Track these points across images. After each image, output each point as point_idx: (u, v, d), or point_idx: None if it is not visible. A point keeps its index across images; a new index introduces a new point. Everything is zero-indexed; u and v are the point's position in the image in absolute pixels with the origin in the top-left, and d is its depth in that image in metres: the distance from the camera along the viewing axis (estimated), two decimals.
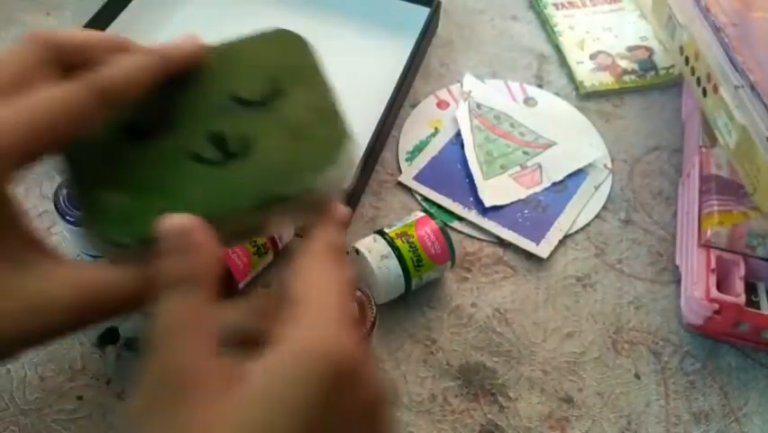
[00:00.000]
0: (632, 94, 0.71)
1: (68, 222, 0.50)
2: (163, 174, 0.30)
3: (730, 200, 0.55)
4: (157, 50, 0.31)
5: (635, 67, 0.72)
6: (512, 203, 0.61)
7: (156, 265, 0.26)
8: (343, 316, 0.27)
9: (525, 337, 0.54)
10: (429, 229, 0.53)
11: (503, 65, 0.73)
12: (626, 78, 0.72)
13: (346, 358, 0.25)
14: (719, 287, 0.52)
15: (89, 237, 0.29)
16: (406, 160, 0.64)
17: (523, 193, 0.62)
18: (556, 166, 0.64)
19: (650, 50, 0.74)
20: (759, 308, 0.52)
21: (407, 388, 0.50)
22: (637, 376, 0.52)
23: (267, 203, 0.30)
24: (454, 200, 0.61)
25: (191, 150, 0.31)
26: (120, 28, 0.68)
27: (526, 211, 0.61)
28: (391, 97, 0.62)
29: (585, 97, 0.71)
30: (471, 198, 0.61)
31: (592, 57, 0.73)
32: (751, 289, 0.53)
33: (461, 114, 0.67)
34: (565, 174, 0.63)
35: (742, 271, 0.53)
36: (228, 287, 0.51)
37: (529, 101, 0.70)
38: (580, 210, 0.61)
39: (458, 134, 0.66)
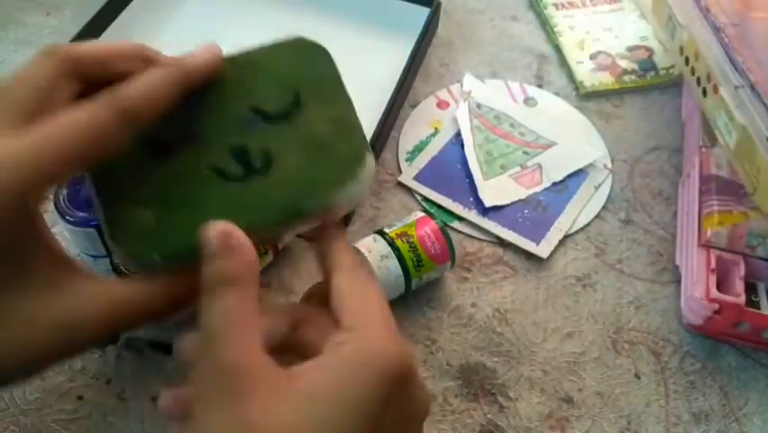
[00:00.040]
0: (632, 94, 0.71)
1: (68, 222, 0.50)
2: (187, 190, 0.30)
3: (730, 200, 0.55)
4: (176, 62, 0.31)
5: (635, 67, 0.72)
6: (512, 203, 0.61)
7: (201, 269, 0.28)
8: (392, 323, 0.29)
9: (525, 337, 0.54)
10: (429, 229, 0.53)
11: (503, 65, 0.73)
12: (626, 78, 0.72)
13: (405, 363, 0.27)
14: (719, 287, 0.52)
15: (115, 253, 0.30)
16: (406, 160, 0.64)
17: (523, 193, 0.62)
18: (556, 166, 0.64)
19: (650, 50, 0.74)
20: (759, 308, 0.52)
21: None
22: (637, 376, 0.52)
23: (288, 219, 0.31)
24: (454, 200, 0.61)
25: (215, 165, 0.31)
26: (120, 28, 0.68)
27: (526, 211, 0.61)
28: (391, 97, 0.62)
29: (585, 97, 0.71)
30: (471, 198, 0.61)
31: (592, 57, 0.73)
32: (751, 289, 0.53)
33: (461, 114, 0.67)
34: (565, 174, 0.63)
35: (742, 271, 0.53)
36: None
37: (529, 101, 0.70)
38: (580, 210, 0.61)
39: (458, 134, 0.66)
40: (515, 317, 0.55)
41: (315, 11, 0.73)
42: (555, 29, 0.76)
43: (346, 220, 0.33)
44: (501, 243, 0.59)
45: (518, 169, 0.64)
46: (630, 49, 0.74)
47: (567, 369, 0.52)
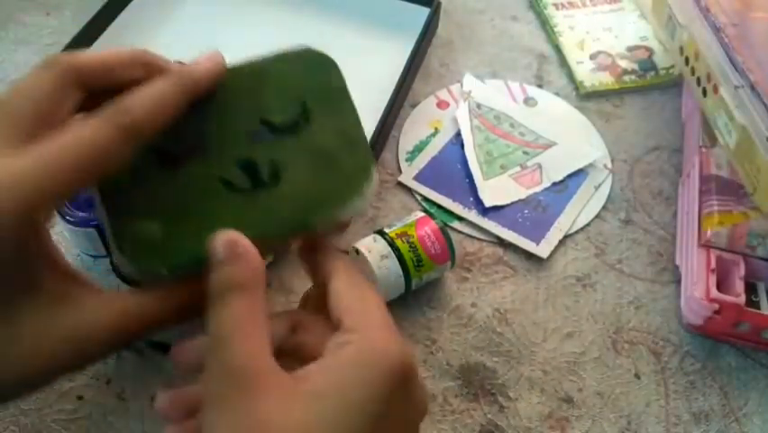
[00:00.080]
0: (632, 94, 0.71)
1: (68, 222, 0.50)
2: (195, 202, 0.30)
3: (730, 200, 0.55)
4: (179, 72, 0.30)
5: (635, 67, 0.72)
6: (512, 203, 0.61)
7: (207, 278, 0.28)
8: (392, 324, 0.30)
9: (525, 337, 0.54)
10: (429, 229, 0.53)
11: (503, 65, 0.73)
12: (626, 78, 0.72)
13: (407, 362, 0.28)
14: (719, 287, 0.52)
15: (122, 265, 0.30)
16: (406, 160, 0.64)
17: (523, 193, 0.62)
18: (556, 166, 0.64)
19: (650, 50, 0.74)
20: (759, 308, 0.52)
21: None
22: (637, 376, 0.52)
23: (295, 232, 0.32)
24: (454, 200, 0.61)
25: (223, 177, 0.31)
26: (120, 28, 0.68)
27: (526, 211, 0.61)
28: (391, 97, 0.62)
29: (585, 97, 0.71)
30: (471, 198, 0.61)
31: (592, 57, 0.73)
32: (751, 289, 0.53)
33: (461, 114, 0.67)
34: (565, 174, 0.63)
35: (742, 271, 0.53)
36: None
37: (529, 101, 0.70)
38: (580, 210, 0.61)
39: (458, 134, 0.66)
40: (515, 317, 0.55)
41: (315, 11, 0.73)
42: (555, 29, 0.76)
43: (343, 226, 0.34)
44: (501, 243, 0.59)
45: (518, 169, 0.64)
46: (630, 49, 0.74)
47: (567, 369, 0.52)
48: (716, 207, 0.55)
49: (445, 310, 0.55)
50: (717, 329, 0.53)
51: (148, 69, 0.30)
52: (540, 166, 0.64)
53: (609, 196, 0.63)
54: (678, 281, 0.57)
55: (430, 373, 0.51)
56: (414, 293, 0.54)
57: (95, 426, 0.47)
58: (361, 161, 0.33)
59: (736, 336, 0.53)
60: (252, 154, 0.32)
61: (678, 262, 0.58)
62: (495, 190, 0.62)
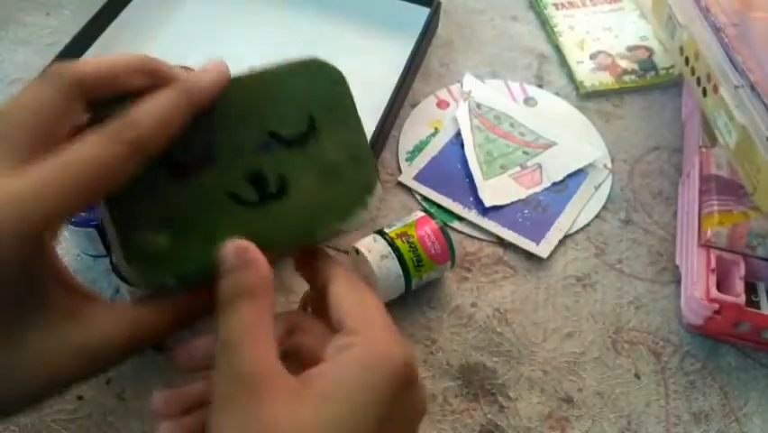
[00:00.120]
0: (632, 94, 0.71)
1: (68, 222, 0.50)
2: (202, 214, 0.31)
3: (730, 200, 0.55)
4: (184, 84, 0.30)
5: (635, 67, 0.72)
6: (512, 203, 0.61)
7: (213, 286, 0.29)
8: (393, 326, 0.30)
9: (525, 337, 0.54)
10: (429, 229, 0.53)
11: (503, 65, 0.73)
12: (626, 77, 0.72)
13: (409, 364, 0.29)
14: (719, 287, 0.52)
15: (129, 275, 0.30)
16: (406, 160, 0.64)
17: (523, 193, 0.62)
18: (556, 166, 0.64)
19: (650, 50, 0.74)
20: (759, 308, 0.52)
21: None
22: (637, 376, 0.52)
23: (301, 243, 0.32)
24: (454, 200, 0.61)
25: (231, 190, 0.31)
26: (120, 27, 0.68)
27: (526, 211, 0.61)
28: (391, 97, 0.62)
29: (585, 97, 0.71)
30: (471, 198, 0.61)
31: (592, 57, 0.73)
32: (751, 289, 0.53)
33: (461, 114, 0.67)
34: (565, 174, 0.63)
35: (742, 271, 0.53)
36: None
37: (529, 101, 0.70)
38: (580, 210, 0.61)
39: (458, 134, 0.66)
40: (515, 317, 0.55)
41: (315, 11, 0.73)
42: (555, 29, 0.76)
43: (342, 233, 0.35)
44: (501, 243, 0.59)
45: (518, 169, 0.64)
46: (630, 49, 0.74)
47: (567, 369, 0.52)
48: (716, 207, 0.55)
49: (445, 310, 0.55)
50: (717, 329, 0.53)
51: (152, 76, 0.30)
52: (540, 166, 0.64)
53: (609, 196, 0.63)
54: (678, 281, 0.57)
55: (430, 373, 0.51)
56: (414, 293, 0.54)
57: (95, 426, 0.47)
58: (366, 173, 0.34)
59: (735, 336, 0.53)
60: (260, 166, 0.32)
61: (678, 262, 0.58)
62: (495, 190, 0.62)
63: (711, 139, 0.59)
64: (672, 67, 0.72)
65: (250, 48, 0.68)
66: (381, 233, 0.53)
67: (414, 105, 0.68)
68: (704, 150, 0.59)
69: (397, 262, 0.51)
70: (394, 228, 0.53)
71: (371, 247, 0.52)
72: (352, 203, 0.33)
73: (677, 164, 0.65)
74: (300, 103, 0.33)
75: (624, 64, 0.73)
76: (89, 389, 0.48)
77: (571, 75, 0.72)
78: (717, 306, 0.51)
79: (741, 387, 0.52)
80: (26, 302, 0.27)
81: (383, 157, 0.64)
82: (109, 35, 0.67)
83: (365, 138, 0.34)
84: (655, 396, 0.52)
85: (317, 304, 0.33)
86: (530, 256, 0.58)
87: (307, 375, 0.28)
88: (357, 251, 0.52)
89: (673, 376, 0.53)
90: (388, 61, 0.68)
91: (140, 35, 0.69)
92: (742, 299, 0.51)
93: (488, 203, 0.60)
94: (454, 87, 0.70)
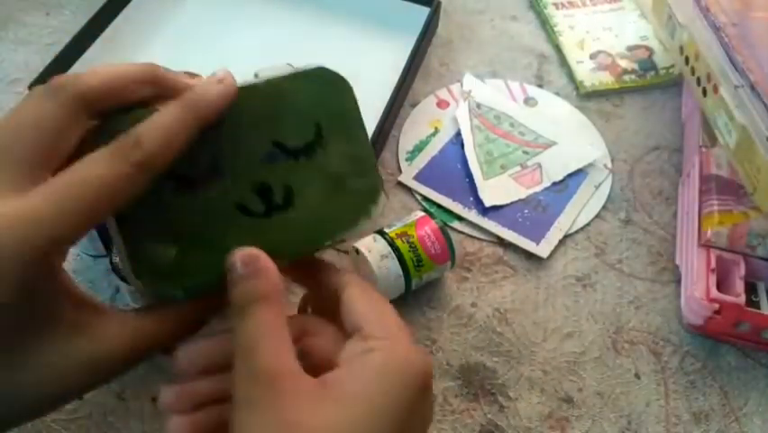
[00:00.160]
0: (632, 94, 0.71)
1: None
2: (209, 227, 0.31)
3: (730, 200, 0.55)
4: (191, 97, 0.29)
5: (635, 66, 0.72)
6: (512, 203, 0.61)
7: (219, 295, 0.29)
8: (409, 333, 0.31)
9: (525, 337, 0.54)
10: (429, 229, 0.53)
11: (503, 65, 0.73)
12: (626, 77, 0.72)
13: (428, 372, 0.29)
14: (719, 287, 0.52)
15: (135, 286, 0.30)
16: (406, 159, 0.64)
17: (523, 193, 0.62)
18: (556, 166, 0.64)
19: (650, 50, 0.74)
20: (759, 308, 0.52)
21: None
22: (637, 376, 0.52)
23: (306, 252, 0.33)
24: (454, 200, 0.61)
25: (238, 201, 0.31)
26: (120, 27, 0.68)
27: (526, 211, 0.61)
28: (391, 97, 0.62)
29: (585, 97, 0.71)
30: (471, 198, 0.61)
31: (592, 56, 0.73)
32: (751, 289, 0.53)
33: (461, 113, 0.67)
34: (565, 174, 0.63)
35: (742, 271, 0.53)
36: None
37: (529, 101, 0.70)
38: (580, 210, 0.61)
39: (458, 134, 0.66)
40: (515, 317, 0.55)
41: (315, 11, 0.73)
42: (555, 29, 0.76)
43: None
44: (501, 242, 0.59)
45: (518, 168, 0.64)
46: (630, 48, 0.74)
47: (567, 369, 0.52)
48: (716, 207, 0.55)
49: (445, 310, 0.55)
50: (718, 329, 0.53)
51: (158, 86, 0.29)
52: (540, 166, 0.64)
53: (609, 196, 0.63)
54: (678, 281, 0.57)
55: None
56: (414, 293, 0.54)
57: (95, 426, 0.47)
58: (371, 184, 0.34)
59: (736, 336, 0.53)
60: (267, 177, 0.32)
61: (678, 261, 0.58)
62: (495, 190, 0.62)
63: (711, 139, 0.59)
64: (672, 67, 0.72)
65: (250, 48, 0.68)
66: (381, 233, 0.53)
67: (414, 105, 0.68)
68: (704, 150, 0.59)
69: (397, 262, 0.51)
70: (394, 228, 0.53)
71: (371, 247, 0.51)
72: (357, 213, 0.33)
73: (677, 164, 0.65)
74: (307, 112, 0.33)
75: (624, 64, 0.73)
76: None
77: (571, 75, 0.72)
78: (717, 306, 0.51)
79: (741, 387, 0.52)
80: (28, 324, 0.27)
81: (383, 157, 0.64)
82: (109, 35, 0.67)
83: (370, 148, 0.35)
84: (655, 396, 0.52)
85: (320, 307, 0.33)
86: (530, 256, 0.58)
87: (326, 378, 0.28)
88: (357, 251, 0.52)
89: (673, 376, 0.53)
90: (388, 61, 0.68)
91: (140, 35, 0.69)
92: (742, 299, 0.51)
93: (488, 203, 0.60)
94: (454, 87, 0.70)
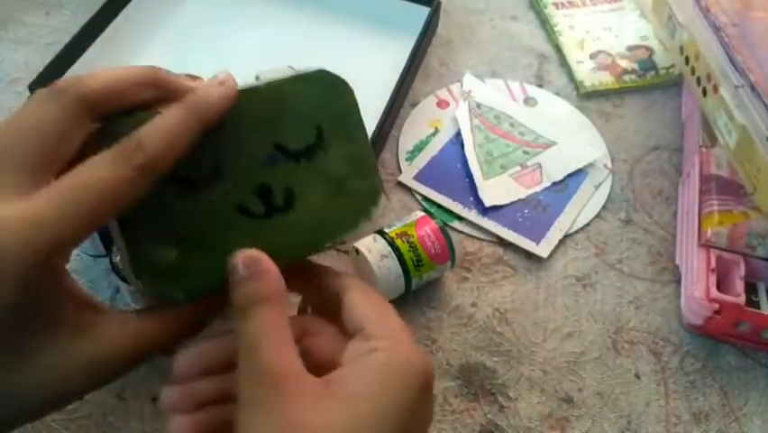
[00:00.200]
0: (632, 93, 0.71)
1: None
2: (211, 229, 0.31)
3: (730, 200, 0.55)
4: (193, 100, 0.29)
5: (636, 66, 0.72)
6: (512, 203, 0.61)
7: (220, 296, 0.29)
8: (411, 334, 0.31)
9: (525, 337, 0.54)
10: (429, 229, 0.53)
11: (503, 65, 0.73)
12: (627, 77, 0.72)
13: (430, 373, 0.29)
14: (719, 287, 0.52)
15: (137, 288, 0.30)
16: (406, 159, 0.64)
17: (523, 193, 0.62)
18: (556, 166, 0.64)
19: (650, 50, 0.74)
20: (759, 308, 0.52)
21: None
22: (637, 376, 0.52)
23: (307, 254, 0.33)
24: (454, 200, 0.61)
25: (239, 203, 0.31)
26: (120, 27, 0.68)
27: (526, 211, 0.61)
28: (391, 97, 0.62)
29: (585, 97, 0.71)
30: (471, 198, 0.61)
31: (592, 56, 0.73)
32: (751, 289, 0.53)
33: (461, 113, 0.67)
34: (565, 174, 0.63)
35: (742, 270, 0.53)
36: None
37: (529, 101, 0.70)
38: (580, 210, 0.61)
39: (458, 134, 0.66)
40: (515, 317, 0.55)
41: (315, 11, 0.73)
42: (555, 28, 0.76)
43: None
44: (501, 242, 0.59)
45: (518, 168, 0.64)
46: (630, 48, 0.74)
47: (567, 369, 0.52)
48: (716, 207, 0.55)
49: (445, 310, 0.55)
50: (718, 329, 0.53)
51: (159, 89, 0.30)
52: (540, 166, 0.64)
53: (609, 196, 0.63)
54: (678, 281, 0.57)
55: None
56: (414, 293, 0.54)
57: (95, 426, 0.47)
58: (371, 185, 0.34)
59: (736, 336, 0.53)
60: (267, 179, 0.32)
61: (678, 261, 0.58)
62: (495, 190, 0.62)
63: (711, 139, 0.59)
64: (672, 66, 0.72)
65: (250, 48, 0.68)
66: (381, 233, 0.53)
67: (414, 105, 0.68)
68: (704, 150, 0.59)
69: (397, 262, 0.51)
70: (394, 228, 0.53)
71: (371, 247, 0.51)
72: (357, 215, 0.33)
73: (677, 164, 0.65)
74: (308, 115, 0.33)
75: (624, 64, 0.73)
76: None
77: (571, 75, 0.72)
78: (717, 306, 0.51)
79: (741, 387, 0.52)
80: (31, 326, 0.27)
81: (383, 157, 0.64)
82: (109, 35, 0.67)
83: (370, 150, 0.35)
84: (655, 396, 0.52)
85: (320, 307, 0.34)
86: (530, 256, 0.58)
87: (329, 378, 0.28)
88: (357, 251, 0.52)
89: (673, 376, 0.53)
90: (388, 61, 0.68)
91: (140, 35, 0.69)
92: (742, 299, 0.51)
93: (488, 203, 0.60)
94: (454, 87, 0.70)
